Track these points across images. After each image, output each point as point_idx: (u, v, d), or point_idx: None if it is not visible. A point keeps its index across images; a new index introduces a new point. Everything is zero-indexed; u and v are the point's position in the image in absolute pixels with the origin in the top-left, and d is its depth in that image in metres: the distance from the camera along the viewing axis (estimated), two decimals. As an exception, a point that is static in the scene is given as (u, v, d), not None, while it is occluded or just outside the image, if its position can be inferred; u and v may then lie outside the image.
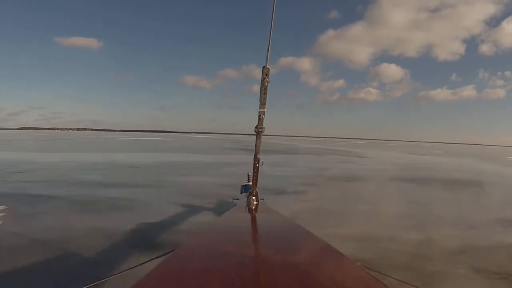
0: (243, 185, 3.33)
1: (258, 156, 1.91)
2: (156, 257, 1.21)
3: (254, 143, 1.91)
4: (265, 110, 1.80)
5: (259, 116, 1.81)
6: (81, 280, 1.27)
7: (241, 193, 3.13)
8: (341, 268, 1.01)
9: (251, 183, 2.06)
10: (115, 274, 1.28)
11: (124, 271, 1.27)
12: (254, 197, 1.93)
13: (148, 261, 1.27)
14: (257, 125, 1.83)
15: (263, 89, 1.76)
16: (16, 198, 6.62)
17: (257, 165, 1.93)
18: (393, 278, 1.32)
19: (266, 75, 1.75)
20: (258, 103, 1.79)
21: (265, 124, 1.82)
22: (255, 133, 1.86)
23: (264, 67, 1.75)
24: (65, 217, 5.47)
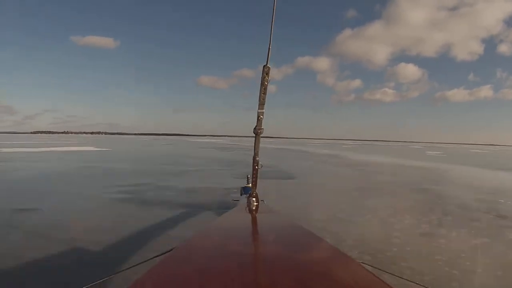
0: (243, 187, 3.36)
1: (257, 158, 1.91)
2: (155, 256, 1.22)
3: (257, 146, 1.92)
4: (264, 110, 1.79)
5: (258, 117, 1.79)
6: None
7: (241, 195, 3.15)
8: (342, 267, 1.02)
9: (251, 184, 2.07)
10: (114, 274, 1.29)
11: (123, 270, 1.28)
12: (254, 198, 1.94)
13: (147, 260, 1.28)
14: (255, 126, 1.82)
15: (263, 89, 1.74)
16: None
17: (256, 167, 1.93)
18: (396, 276, 1.32)
19: (267, 74, 1.73)
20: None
21: (265, 125, 1.81)
22: (254, 134, 1.85)
23: (264, 65, 1.73)
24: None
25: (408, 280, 1.36)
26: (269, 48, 1.77)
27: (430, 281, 3.30)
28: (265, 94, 1.76)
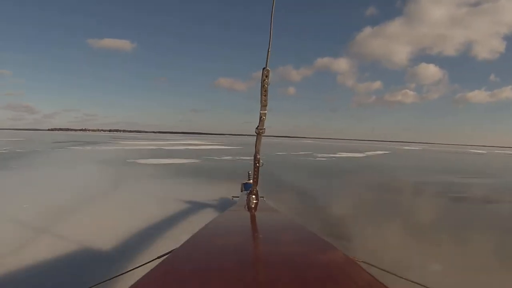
0: (244, 183, 3.45)
1: (259, 156, 2.00)
2: (157, 258, 1.24)
3: (259, 145, 1.98)
4: (266, 111, 1.88)
5: (260, 117, 1.89)
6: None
7: (242, 191, 3.20)
8: (342, 267, 1.04)
9: (251, 181, 2.14)
10: (116, 276, 1.34)
11: (125, 272, 1.32)
12: (254, 196, 2.02)
13: (148, 262, 1.32)
14: (257, 126, 1.91)
15: (264, 91, 1.83)
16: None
17: (257, 164, 2.02)
18: (396, 276, 1.35)
19: (266, 76, 1.81)
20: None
21: (266, 125, 1.92)
22: (256, 134, 1.93)
23: (264, 68, 1.81)
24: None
25: (408, 280, 1.37)
26: (268, 51, 1.85)
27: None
28: (266, 96, 1.84)
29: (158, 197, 7.93)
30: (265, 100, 1.86)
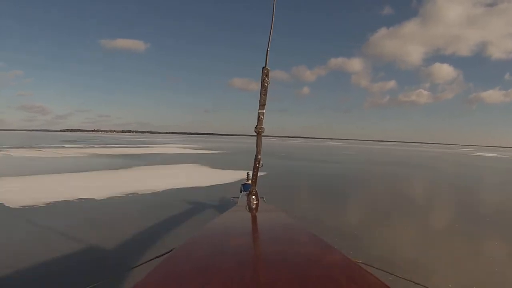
0: (243, 184, 3.42)
1: (259, 157, 2.00)
2: (156, 257, 1.26)
3: (259, 145, 1.99)
4: (264, 111, 1.89)
5: (259, 117, 1.88)
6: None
7: (241, 192, 3.19)
8: (342, 267, 1.05)
9: (250, 181, 2.15)
10: (115, 275, 1.39)
11: (125, 271, 1.40)
12: (254, 196, 2.04)
13: (148, 261, 1.34)
14: (256, 126, 1.91)
15: (263, 90, 1.83)
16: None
17: (257, 165, 2.02)
18: (396, 276, 1.36)
19: (266, 76, 1.82)
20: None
21: (264, 125, 1.92)
22: (255, 134, 1.93)
23: (263, 67, 1.82)
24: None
25: (408, 280, 1.39)
26: (267, 51, 1.85)
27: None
28: (265, 96, 1.84)
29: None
30: (264, 100, 1.87)
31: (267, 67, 1.85)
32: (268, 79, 1.85)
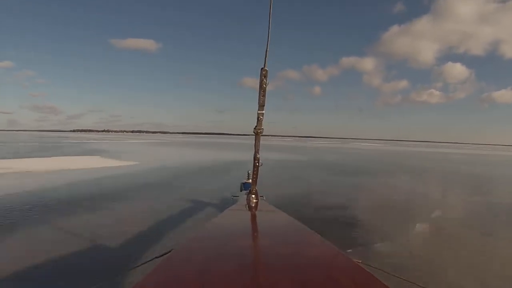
0: (243, 183, 3.47)
1: (258, 156, 2.06)
2: (156, 257, 1.27)
3: (257, 145, 2.05)
4: (263, 112, 1.92)
5: (258, 117, 1.94)
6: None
7: (241, 191, 3.24)
8: (342, 267, 1.07)
9: (250, 180, 2.19)
10: (115, 276, 1.42)
11: (125, 272, 1.41)
12: (253, 195, 2.08)
13: (147, 261, 1.36)
14: (255, 126, 1.97)
15: (262, 91, 1.87)
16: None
17: (257, 164, 2.07)
18: (396, 276, 1.39)
19: (265, 77, 1.86)
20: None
21: (264, 125, 1.97)
22: (254, 134, 2.00)
23: (262, 68, 1.85)
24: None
25: (408, 281, 1.40)
26: (266, 51, 1.90)
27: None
28: (264, 96, 1.88)
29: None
30: (263, 101, 1.91)
31: (265, 68, 1.88)
32: (266, 80, 1.89)
